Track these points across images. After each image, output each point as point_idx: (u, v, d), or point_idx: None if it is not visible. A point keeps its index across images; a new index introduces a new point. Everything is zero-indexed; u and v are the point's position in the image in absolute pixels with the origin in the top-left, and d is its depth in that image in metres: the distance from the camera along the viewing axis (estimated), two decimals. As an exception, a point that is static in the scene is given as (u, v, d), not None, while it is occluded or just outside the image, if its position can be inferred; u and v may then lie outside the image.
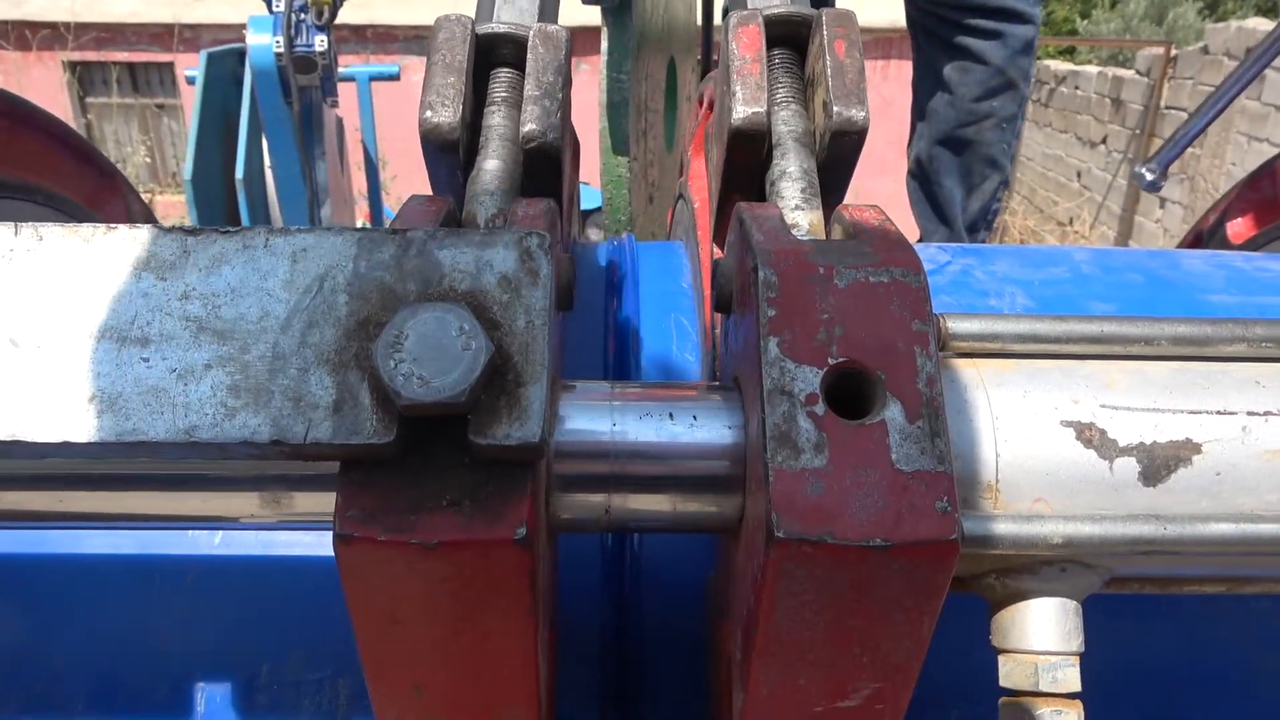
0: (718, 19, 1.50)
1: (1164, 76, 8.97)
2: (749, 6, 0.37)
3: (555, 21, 0.38)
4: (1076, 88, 11.37)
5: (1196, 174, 8.93)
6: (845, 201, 0.34)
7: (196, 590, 0.41)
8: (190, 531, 0.41)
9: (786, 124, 0.33)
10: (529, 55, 0.34)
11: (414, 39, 8.45)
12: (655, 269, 0.52)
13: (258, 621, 0.42)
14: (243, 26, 7.38)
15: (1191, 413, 0.28)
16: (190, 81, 2.46)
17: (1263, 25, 7.83)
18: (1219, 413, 0.28)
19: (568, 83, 0.35)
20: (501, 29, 0.35)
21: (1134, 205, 8.42)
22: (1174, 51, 9.18)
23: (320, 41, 1.96)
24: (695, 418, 0.28)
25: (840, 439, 0.24)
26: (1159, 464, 0.27)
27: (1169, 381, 0.29)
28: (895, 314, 0.25)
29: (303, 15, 1.96)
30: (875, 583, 0.25)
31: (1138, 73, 10.10)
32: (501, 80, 0.35)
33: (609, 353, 0.45)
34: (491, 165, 0.32)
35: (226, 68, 2.42)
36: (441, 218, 0.29)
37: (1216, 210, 0.86)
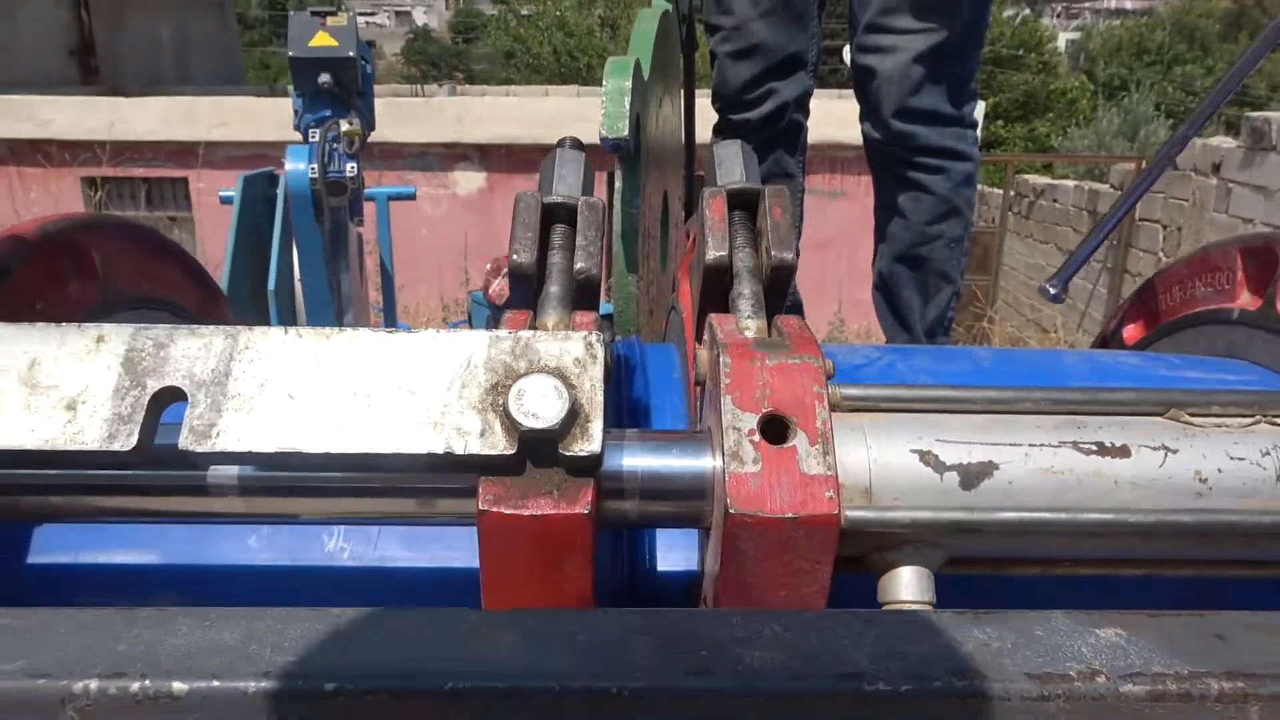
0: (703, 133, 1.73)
1: (1136, 190, 9.35)
2: (718, 183, 0.55)
3: (592, 193, 0.57)
4: (1055, 200, 11.79)
5: (1171, 283, 9.17)
6: (811, 306, 0.52)
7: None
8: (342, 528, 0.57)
9: (743, 262, 0.51)
10: (579, 217, 0.53)
11: (418, 155, 8.83)
12: (656, 362, 0.70)
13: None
14: (253, 144, 7.67)
15: (993, 444, 0.45)
16: (225, 201, 2.67)
17: (1226, 143, 8.23)
18: (1010, 445, 0.45)
19: (604, 234, 0.53)
20: (559, 199, 0.54)
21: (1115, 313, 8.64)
22: (1144, 166, 9.60)
23: (350, 168, 2.19)
24: (683, 449, 0.46)
25: (768, 456, 0.42)
26: (971, 477, 0.45)
27: (982, 425, 0.46)
28: (802, 382, 0.43)
29: (335, 145, 2.20)
30: (790, 544, 0.41)
31: (1112, 186, 10.52)
32: (559, 233, 0.53)
33: (623, 419, 0.62)
34: (555, 290, 0.50)
35: (259, 189, 2.64)
36: (528, 324, 0.47)
37: (1116, 317, 1.05)
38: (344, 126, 2.22)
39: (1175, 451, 0.45)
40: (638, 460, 0.46)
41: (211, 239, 9.70)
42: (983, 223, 12.18)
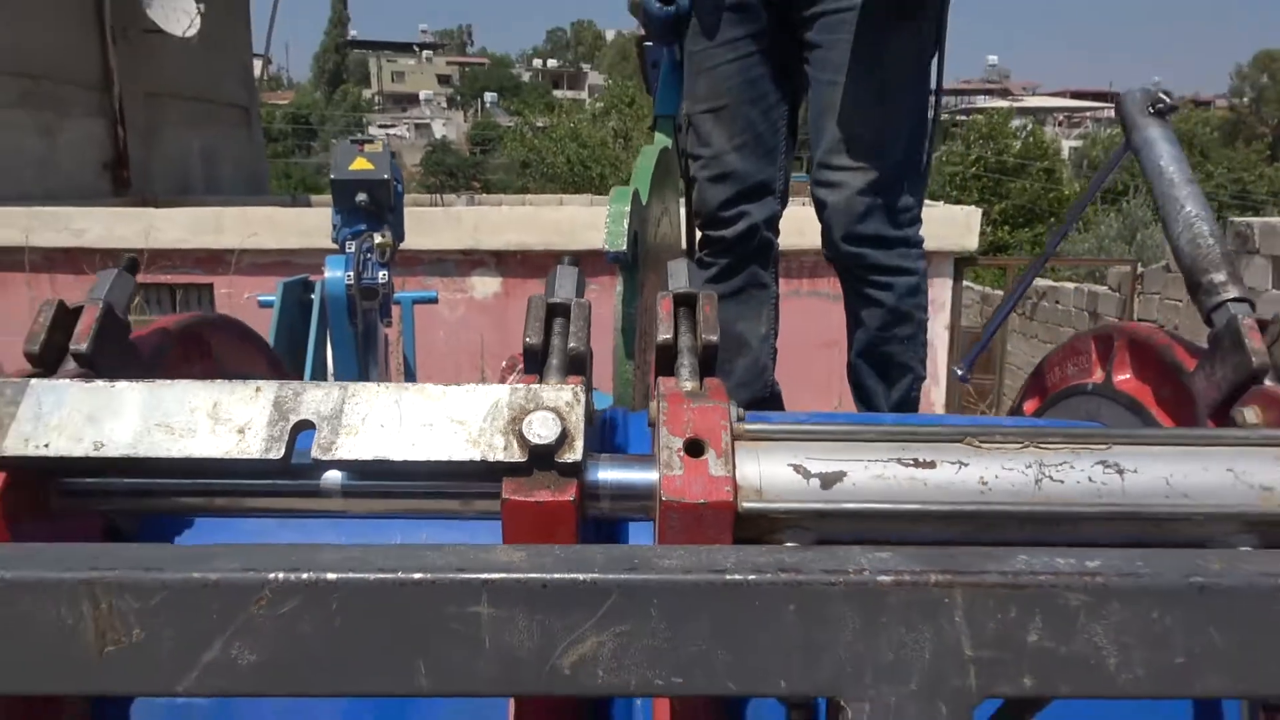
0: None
1: (1133, 292, 9.66)
2: (669, 289, 0.79)
3: (583, 295, 0.81)
4: (1057, 302, 12.08)
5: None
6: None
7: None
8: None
9: (684, 342, 0.75)
10: (572, 313, 0.77)
11: (436, 261, 9.20)
12: (636, 423, 0.93)
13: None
14: (277, 251, 7.97)
15: (844, 460, 0.68)
16: (264, 305, 2.94)
17: (1211, 247, 8.51)
18: (855, 460, 0.68)
19: (589, 324, 0.77)
20: (559, 300, 0.78)
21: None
22: (1140, 269, 9.93)
23: (382, 275, 2.47)
24: (638, 465, 0.68)
25: (689, 465, 0.64)
26: (828, 481, 0.67)
27: (838, 448, 0.69)
28: (714, 418, 0.65)
29: (369, 255, 2.48)
30: (702, 522, 0.64)
31: (1110, 288, 10.80)
32: (558, 324, 0.77)
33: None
34: (554, 362, 0.74)
35: (295, 294, 2.91)
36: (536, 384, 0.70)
37: (1020, 394, 1.27)
38: (377, 239, 2.51)
39: (966, 465, 0.67)
40: (609, 473, 0.69)
41: (235, 342, 9.97)
42: (986, 323, 12.43)
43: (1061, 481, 0.67)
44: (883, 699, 0.54)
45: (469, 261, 9.43)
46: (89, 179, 12.85)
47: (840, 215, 1.85)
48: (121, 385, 0.65)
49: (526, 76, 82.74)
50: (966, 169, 28.11)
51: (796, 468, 0.67)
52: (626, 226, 1.55)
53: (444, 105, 73.81)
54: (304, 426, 0.65)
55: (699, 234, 2.08)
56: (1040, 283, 12.45)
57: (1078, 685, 0.54)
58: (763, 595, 0.53)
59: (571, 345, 0.74)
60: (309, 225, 9.61)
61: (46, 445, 0.63)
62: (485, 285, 9.47)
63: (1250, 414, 0.74)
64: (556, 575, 0.52)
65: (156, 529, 0.79)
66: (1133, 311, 9.36)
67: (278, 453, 0.63)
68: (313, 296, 2.78)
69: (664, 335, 0.74)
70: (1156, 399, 0.90)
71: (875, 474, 0.67)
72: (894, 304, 1.87)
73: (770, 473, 0.67)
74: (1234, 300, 0.83)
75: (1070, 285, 11.32)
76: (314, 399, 0.65)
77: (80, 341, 0.72)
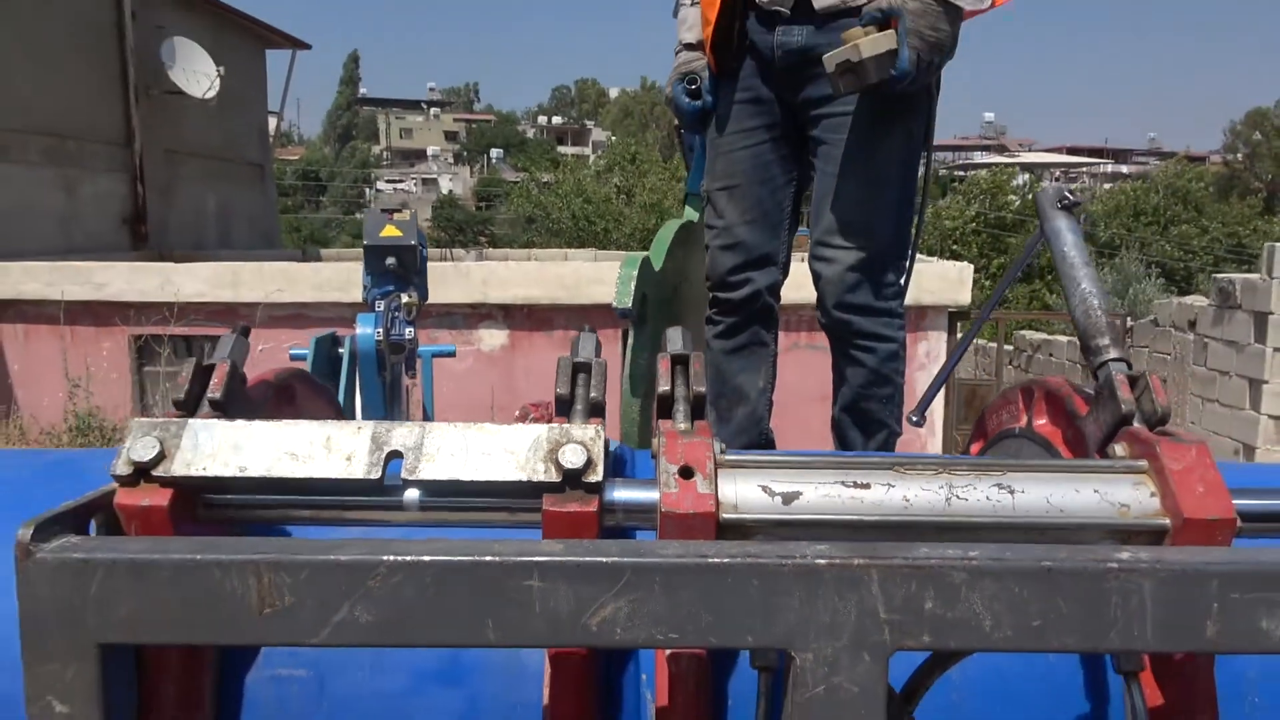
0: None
1: (1124, 345, 9.86)
2: (668, 351, 1.01)
3: (600, 355, 1.03)
4: (1050, 355, 12.27)
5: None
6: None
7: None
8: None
9: (679, 392, 0.96)
10: (592, 370, 0.98)
11: (445, 314, 9.46)
12: (642, 458, 1.15)
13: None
14: (292, 304, 8.21)
15: (800, 483, 0.89)
16: (296, 358, 3.16)
17: (1199, 301, 8.77)
18: (808, 483, 0.89)
19: (605, 379, 0.99)
20: (582, 360, 1.00)
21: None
22: (1130, 323, 10.16)
23: (408, 332, 2.70)
24: (644, 487, 0.90)
25: (682, 485, 0.86)
26: (787, 499, 0.88)
27: (796, 474, 0.90)
28: (701, 450, 0.87)
29: (397, 313, 2.72)
30: (690, 528, 0.85)
31: (1101, 342, 10.92)
32: (581, 379, 0.99)
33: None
34: (579, 408, 0.95)
35: (325, 348, 3.13)
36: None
37: (969, 438, 1.49)
38: (404, 299, 2.75)
39: (894, 486, 0.89)
40: (621, 492, 0.90)
41: (247, 393, 10.18)
42: (984, 375, 12.64)
43: (966, 499, 0.88)
44: (822, 650, 0.75)
45: (477, 315, 9.69)
46: (108, 233, 13.18)
47: (832, 286, 2.10)
48: (257, 424, 0.87)
49: (531, 133, 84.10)
50: (965, 224, 28.51)
51: (764, 488, 0.88)
52: (634, 289, 1.79)
53: (450, 161, 74.97)
54: (394, 456, 0.86)
55: (709, 294, 2.32)
56: (1034, 336, 12.68)
57: (962, 641, 0.75)
58: (734, 574, 0.74)
59: (592, 395, 0.96)
60: (322, 280, 9.90)
61: (203, 469, 0.84)
62: (493, 338, 9.71)
63: (1120, 449, 0.95)
64: (586, 559, 0.74)
65: (271, 535, 1.00)
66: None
67: (375, 475, 0.85)
68: (340, 350, 3.00)
69: (663, 387, 0.95)
70: (1063, 439, 1.11)
71: (824, 493, 0.89)
72: (875, 366, 2.12)
73: (743, 492, 0.88)
74: (1113, 360, 1.05)
75: (1064, 339, 11.53)
76: (401, 434, 0.87)
77: (215, 391, 0.94)
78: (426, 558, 0.73)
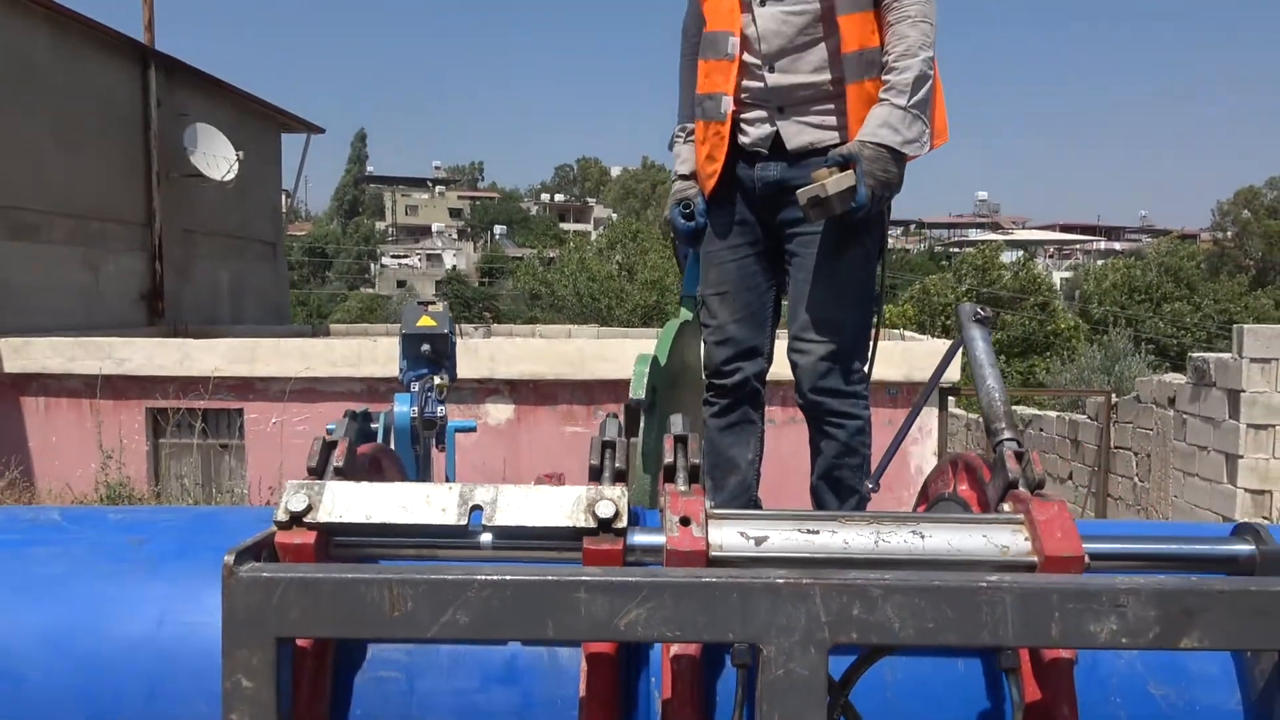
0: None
1: (1109, 420, 10.19)
2: (671, 431, 1.35)
3: (624, 437, 1.37)
4: (1041, 430, 12.56)
5: (1148, 504, 9.81)
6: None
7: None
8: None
9: (680, 462, 1.30)
10: (616, 448, 1.32)
11: (453, 389, 9.78)
12: (652, 514, 1.48)
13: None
14: (305, 379, 8.58)
15: (769, 531, 1.22)
16: (331, 431, 3.49)
17: (1178, 379, 9.11)
18: (775, 531, 1.22)
19: (628, 454, 1.33)
20: (609, 439, 1.34)
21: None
22: (1115, 399, 10.49)
23: (440, 410, 3.04)
24: (653, 533, 1.23)
25: (682, 530, 1.19)
26: (759, 541, 1.21)
27: (767, 524, 1.23)
28: (695, 505, 1.20)
29: (430, 393, 3.07)
30: (690, 562, 1.18)
31: (1089, 417, 11.30)
32: (608, 453, 1.33)
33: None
34: (607, 475, 1.29)
35: (360, 422, 3.45)
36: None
37: (915, 503, 1.82)
38: (436, 381, 3.10)
39: (836, 532, 1.22)
40: (639, 536, 1.23)
41: (258, 464, 10.51)
42: (980, 450, 12.92)
43: (889, 542, 1.22)
44: (781, 644, 1.07)
45: (484, 390, 10.02)
46: (126, 309, 13.60)
47: (806, 374, 2.47)
48: (377, 485, 1.20)
49: (534, 209, 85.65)
50: (959, 301, 29.03)
51: (742, 534, 1.22)
52: (646, 382, 2.15)
53: (455, 237, 76.27)
54: (476, 508, 1.20)
55: (706, 380, 2.69)
56: (1026, 411, 13.00)
57: (880, 638, 1.08)
58: (720, 590, 1.07)
59: (618, 466, 1.30)
60: (336, 356, 10.27)
61: (340, 517, 1.18)
62: (500, 412, 10.03)
63: (1006, 506, 1.29)
64: (617, 579, 1.06)
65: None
66: (1109, 438, 9.88)
67: (462, 522, 1.18)
68: (373, 425, 3.33)
69: (668, 460, 1.29)
70: (976, 500, 1.45)
71: (785, 537, 1.22)
72: (845, 440, 2.47)
73: (727, 536, 1.21)
74: (1006, 439, 1.39)
75: (1053, 414, 11.85)
76: (480, 493, 1.20)
77: (339, 460, 1.29)
78: (508, 577, 1.06)
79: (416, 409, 3.03)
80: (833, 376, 2.49)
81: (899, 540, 1.22)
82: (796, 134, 2.54)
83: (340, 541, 1.23)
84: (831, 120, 2.51)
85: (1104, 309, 35.64)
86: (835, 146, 2.42)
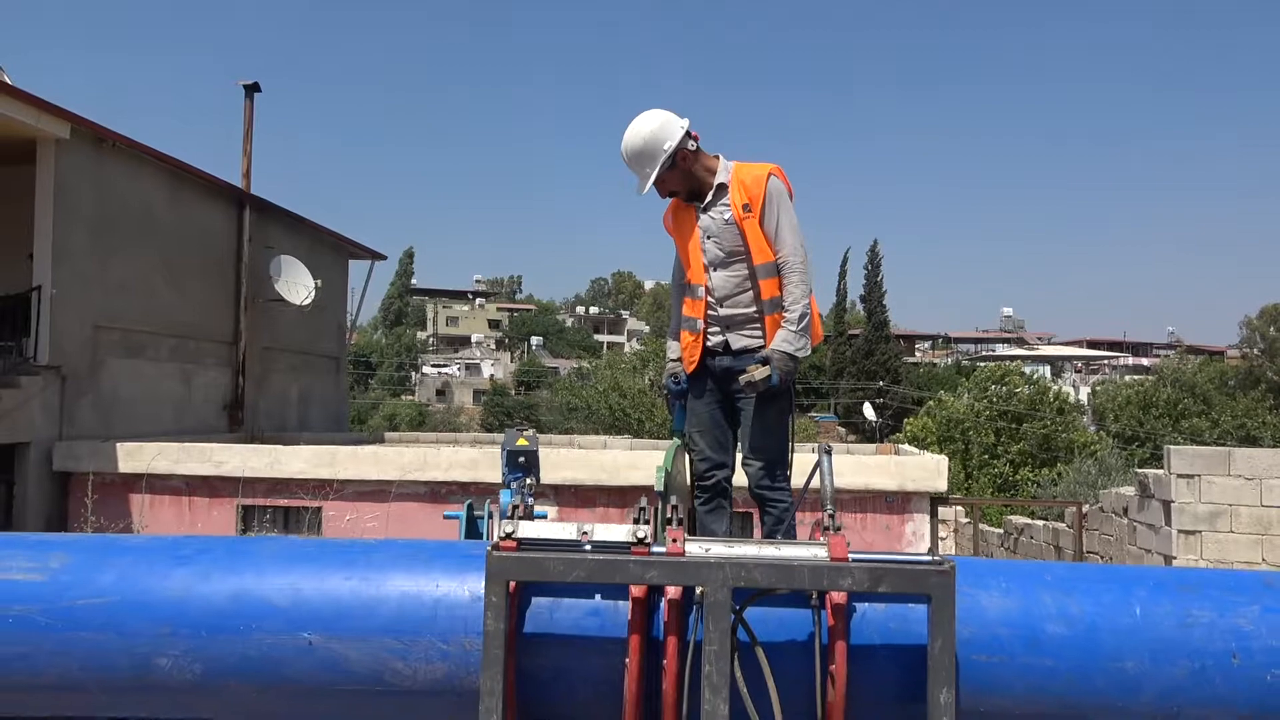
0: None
1: (1080, 528, 11.52)
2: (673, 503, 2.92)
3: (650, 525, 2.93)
4: (1031, 537, 13.89)
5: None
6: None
7: (595, 582, 2.86)
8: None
9: (676, 516, 2.85)
10: (647, 514, 2.88)
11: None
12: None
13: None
14: (374, 481, 10.44)
15: (714, 545, 2.77)
16: (449, 517, 5.06)
17: (1129, 491, 10.48)
18: (716, 545, 2.77)
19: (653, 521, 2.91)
20: (643, 506, 2.91)
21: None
22: (1085, 509, 11.83)
23: (530, 502, 4.59)
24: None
25: (672, 546, 2.73)
26: (706, 550, 2.75)
27: (713, 543, 2.78)
28: (680, 535, 2.74)
29: (524, 490, 4.63)
30: (673, 555, 2.72)
31: (1067, 525, 12.66)
32: (641, 513, 2.89)
33: (654, 552, 2.95)
34: (640, 520, 2.84)
35: (472, 511, 5.02)
36: (637, 525, 2.79)
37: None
38: (528, 482, 4.64)
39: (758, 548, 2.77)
40: (656, 546, 2.77)
41: (330, 558, 11.98)
42: (983, 556, 14.19)
43: (766, 550, 2.74)
44: (710, 587, 2.59)
45: (534, 493, 11.49)
46: (212, 417, 15.40)
47: (752, 478, 4.09)
48: (538, 522, 2.77)
49: (570, 321, 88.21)
50: (977, 415, 30.33)
51: (701, 547, 2.76)
52: (664, 481, 3.73)
53: (493, 347, 78.77)
54: (584, 532, 2.74)
55: (694, 483, 4.28)
56: (1019, 520, 14.31)
57: (750, 585, 2.60)
58: (689, 564, 2.60)
59: (645, 522, 2.84)
60: (405, 462, 11.88)
61: (529, 534, 2.73)
62: (546, 511, 11.50)
63: (821, 538, 2.83)
64: (646, 559, 2.60)
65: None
66: (1081, 544, 11.18)
67: (577, 538, 2.73)
68: (478, 514, 4.90)
69: (668, 516, 2.84)
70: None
71: (719, 547, 2.75)
72: (778, 515, 4.06)
73: (693, 549, 2.75)
74: (828, 512, 2.94)
75: (1040, 523, 13.18)
76: (584, 526, 2.75)
77: (522, 510, 2.86)
78: (601, 556, 2.60)
79: (519, 499, 4.58)
80: (767, 479, 4.07)
81: (771, 550, 2.76)
82: (737, 341, 4.08)
83: (525, 544, 2.79)
84: (757, 334, 4.03)
85: (1120, 424, 36.65)
86: (759, 349, 4.13)
